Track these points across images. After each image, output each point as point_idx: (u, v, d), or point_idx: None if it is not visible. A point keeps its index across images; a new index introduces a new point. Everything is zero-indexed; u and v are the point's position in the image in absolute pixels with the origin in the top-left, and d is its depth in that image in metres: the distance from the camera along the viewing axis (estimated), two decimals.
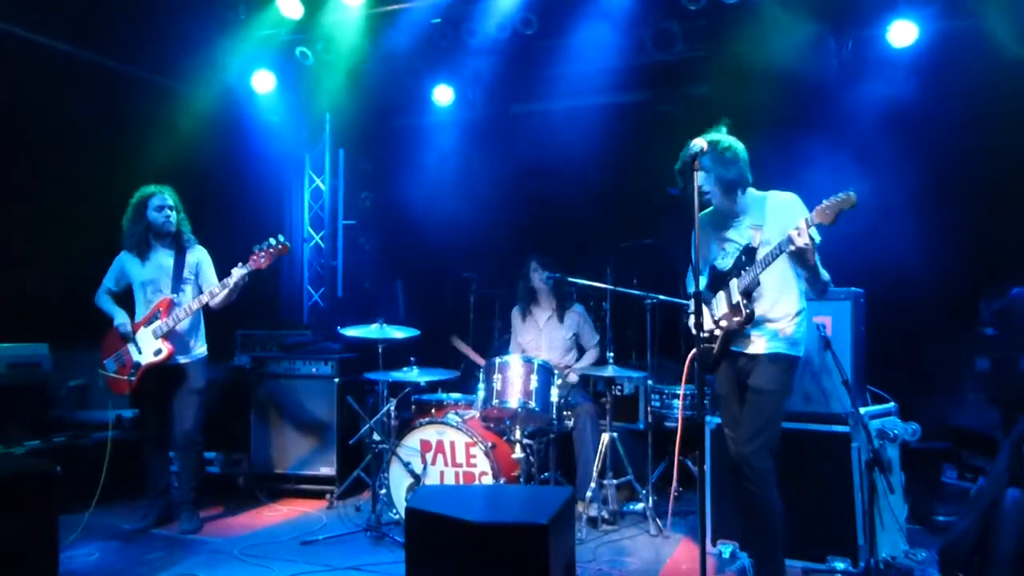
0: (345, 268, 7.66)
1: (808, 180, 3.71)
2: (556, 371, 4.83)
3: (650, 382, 5.22)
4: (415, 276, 7.23)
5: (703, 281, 3.63)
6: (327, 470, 5.45)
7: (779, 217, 3.39)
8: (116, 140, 5.73)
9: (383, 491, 4.67)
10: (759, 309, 3.43)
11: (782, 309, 3.46)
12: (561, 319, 5.39)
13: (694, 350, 3.46)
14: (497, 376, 4.65)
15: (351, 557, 4.13)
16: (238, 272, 4.54)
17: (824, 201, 3.06)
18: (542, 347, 5.38)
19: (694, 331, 3.36)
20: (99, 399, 5.31)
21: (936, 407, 4.73)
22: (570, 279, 5.25)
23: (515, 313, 5.59)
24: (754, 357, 3.49)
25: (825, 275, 3.35)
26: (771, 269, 3.34)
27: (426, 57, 6.34)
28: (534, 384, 4.59)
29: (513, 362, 4.68)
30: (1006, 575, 3.41)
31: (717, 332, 3.57)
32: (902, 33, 5.34)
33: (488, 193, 6.73)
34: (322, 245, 7.62)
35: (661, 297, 5.13)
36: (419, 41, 6.10)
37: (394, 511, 4.61)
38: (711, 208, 3.60)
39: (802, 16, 5.37)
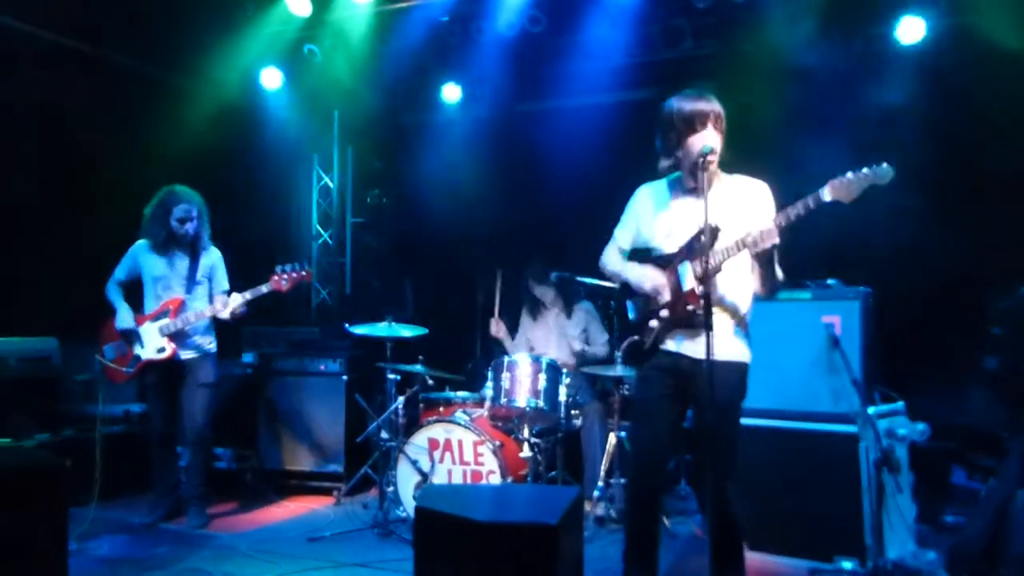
0: (353, 266, 7.67)
1: (814, 177, 3.67)
2: (565, 369, 4.83)
3: None
4: (423, 274, 7.23)
5: (635, 263, 3.29)
6: (335, 467, 5.48)
7: (749, 204, 3.03)
8: (125, 136, 5.75)
9: (390, 489, 4.68)
10: (713, 300, 2.92)
11: (739, 303, 3.07)
12: (569, 315, 5.39)
13: (629, 339, 3.21)
14: (505, 375, 4.65)
15: (358, 554, 4.14)
16: (257, 290, 4.56)
17: (848, 174, 2.71)
18: (552, 344, 5.37)
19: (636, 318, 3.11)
20: (108, 393, 5.34)
21: (945, 407, 4.70)
22: (578, 278, 5.26)
23: (524, 316, 5.59)
24: (705, 363, 2.74)
25: (780, 274, 2.99)
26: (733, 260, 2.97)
27: (435, 54, 6.34)
28: (542, 383, 4.59)
29: (521, 361, 4.69)
30: None
31: (654, 323, 3.11)
32: (910, 30, 5.32)
33: (497, 191, 6.73)
34: (330, 243, 7.62)
35: None
36: (427, 38, 6.11)
37: (401, 509, 4.62)
38: (664, 180, 3.26)
39: (810, 14, 5.35)
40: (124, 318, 4.64)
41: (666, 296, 3.09)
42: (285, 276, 4.55)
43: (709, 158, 2.91)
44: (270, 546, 4.27)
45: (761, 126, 4.88)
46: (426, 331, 5.05)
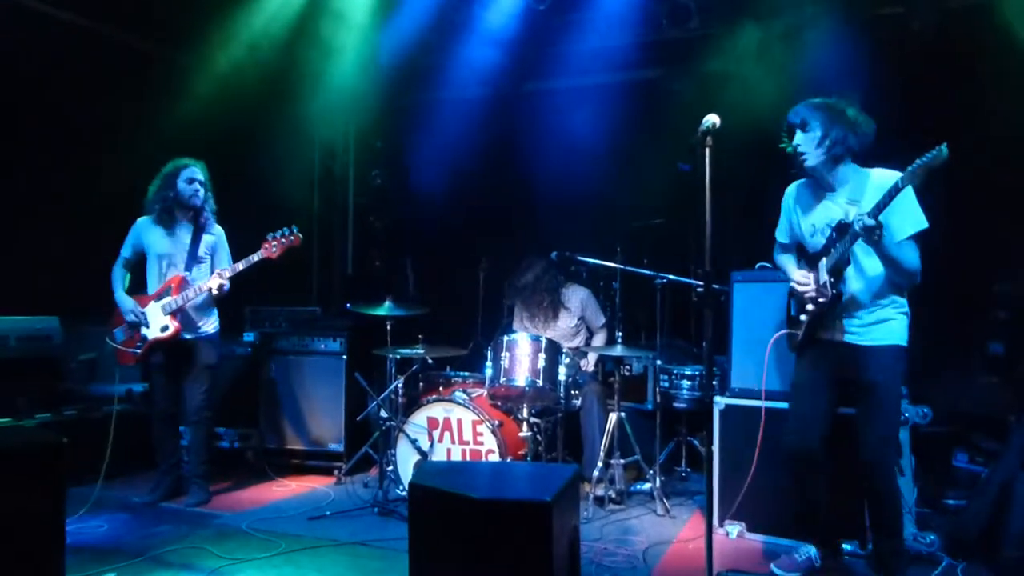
0: (355, 246, 7.65)
1: None
2: (566, 349, 4.80)
3: (659, 362, 5.20)
4: (424, 254, 7.21)
5: (791, 259, 3.59)
6: (335, 446, 5.48)
7: (875, 194, 3.09)
8: (125, 113, 5.72)
9: (390, 468, 4.68)
10: (854, 291, 3.25)
11: (873, 291, 3.25)
12: (556, 316, 5.35)
13: (782, 331, 3.48)
14: (505, 354, 4.63)
15: (358, 532, 4.14)
16: (248, 259, 4.56)
17: (916, 161, 2.89)
18: (549, 332, 5.34)
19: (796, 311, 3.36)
20: (110, 372, 5.35)
21: (948, 391, 4.68)
22: (579, 257, 5.22)
23: (518, 304, 5.54)
24: (856, 348, 3.29)
25: (910, 264, 3.14)
26: (868, 251, 3.17)
27: (438, 33, 6.28)
28: (542, 362, 4.57)
29: (521, 340, 4.66)
30: (1017, 556, 3.39)
31: (803, 317, 3.40)
32: (919, 11, 5.23)
33: (498, 171, 6.69)
34: (332, 222, 7.60)
35: (671, 277, 5.10)
36: (431, 17, 6.04)
37: (401, 487, 4.62)
38: (801, 181, 3.48)
39: None
40: (128, 310, 4.63)
41: (811, 292, 3.32)
42: (275, 242, 4.53)
43: (708, 137, 2.97)
44: (271, 525, 4.28)
45: (768, 107, 4.82)
46: (426, 310, 5.03)
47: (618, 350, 4.70)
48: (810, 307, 3.33)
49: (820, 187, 3.37)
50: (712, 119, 2.96)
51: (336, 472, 5.36)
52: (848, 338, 3.29)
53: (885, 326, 3.25)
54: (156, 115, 5.75)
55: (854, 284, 3.26)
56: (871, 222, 2.94)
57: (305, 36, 6.33)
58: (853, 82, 5.25)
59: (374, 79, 6.80)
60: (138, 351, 4.64)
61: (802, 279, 3.38)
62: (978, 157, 5.07)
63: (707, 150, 2.93)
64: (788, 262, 3.59)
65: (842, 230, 3.18)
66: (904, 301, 3.30)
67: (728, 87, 5.31)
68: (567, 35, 6.13)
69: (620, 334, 4.80)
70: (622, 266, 5.17)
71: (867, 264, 3.24)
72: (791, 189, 3.55)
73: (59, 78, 5.45)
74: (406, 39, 6.28)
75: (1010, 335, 4.99)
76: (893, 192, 2.93)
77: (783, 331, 3.58)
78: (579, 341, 5.36)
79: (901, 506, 3.40)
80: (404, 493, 4.59)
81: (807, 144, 3.24)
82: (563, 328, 5.34)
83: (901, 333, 3.27)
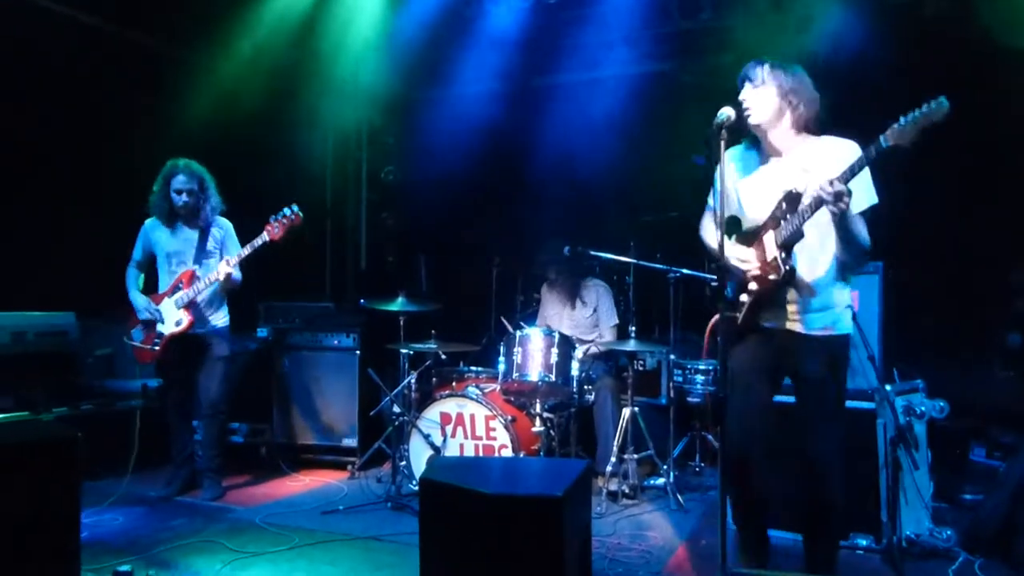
0: (368, 242, 7.66)
1: None
2: (578, 344, 4.80)
3: (672, 357, 5.17)
4: (437, 250, 7.21)
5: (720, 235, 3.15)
6: (349, 441, 5.49)
7: (831, 163, 2.81)
8: (140, 112, 5.75)
9: (403, 463, 4.70)
10: (801, 272, 2.90)
11: (826, 272, 2.93)
12: (574, 304, 5.35)
13: (715, 317, 3.12)
14: (517, 349, 4.63)
15: (371, 527, 4.15)
16: (253, 244, 4.57)
17: (901, 119, 2.54)
18: (564, 323, 5.35)
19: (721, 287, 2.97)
20: (126, 368, 5.39)
21: (965, 384, 4.62)
22: (592, 252, 5.21)
23: (545, 286, 5.58)
24: (798, 336, 2.95)
25: (865, 240, 2.83)
26: (817, 225, 2.84)
27: (449, 29, 6.26)
28: (555, 357, 4.57)
29: (534, 335, 4.66)
30: None
31: (744, 297, 3.02)
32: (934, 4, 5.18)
33: (511, 166, 6.67)
34: (346, 219, 7.62)
35: (685, 271, 5.08)
36: (442, 12, 6.02)
37: (414, 482, 4.63)
38: (742, 145, 3.15)
39: None
40: (141, 308, 4.68)
41: (754, 269, 2.99)
42: (277, 224, 4.54)
43: (724, 131, 2.80)
44: (284, 519, 4.29)
45: None
46: (439, 306, 5.03)
47: (631, 345, 4.68)
48: (753, 286, 2.98)
49: (765, 152, 3.07)
50: (727, 112, 2.83)
51: (349, 467, 5.38)
52: (793, 325, 2.95)
53: (833, 313, 2.95)
54: (170, 113, 5.77)
55: (802, 264, 2.92)
56: (842, 187, 2.62)
57: (316, 33, 6.33)
58: (866, 70, 5.22)
59: (386, 75, 6.80)
60: (156, 348, 4.68)
61: (744, 255, 3.04)
62: (994, 145, 5.02)
63: (722, 143, 2.86)
64: (717, 238, 3.14)
65: (792, 200, 2.86)
66: (849, 288, 3.02)
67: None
68: (578, 28, 6.10)
69: (633, 328, 4.78)
70: (635, 260, 5.15)
71: (817, 241, 2.92)
72: (729, 154, 3.10)
73: (74, 78, 5.47)
74: (418, 34, 6.27)
75: None
76: (871, 154, 2.62)
77: (720, 315, 3.05)
78: (594, 337, 5.35)
79: (842, 510, 3.07)
80: (417, 488, 4.60)
81: (754, 98, 2.95)
82: (580, 318, 5.34)
83: (848, 321, 2.99)
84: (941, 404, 3.82)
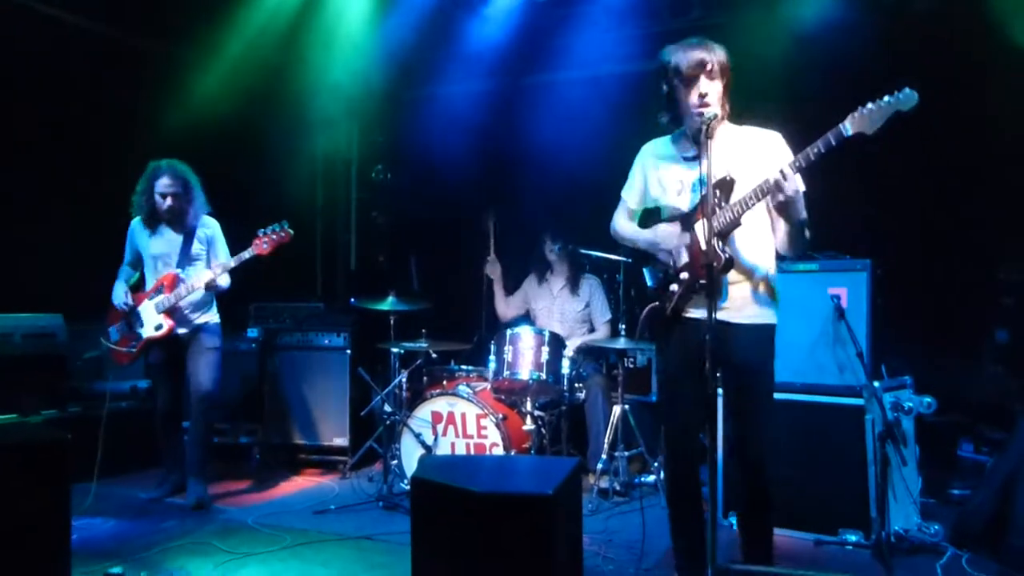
0: (358, 241, 7.64)
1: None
2: (568, 342, 4.81)
3: None
4: (428, 249, 7.20)
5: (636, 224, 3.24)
6: (340, 441, 5.50)
7: (760, 152, 2.86)
8: (129, 111, 5.72)
9: (395, 462, 4.70)
10: (736, 259, 2.86)
11: (761, 261, 2.91)
12: (573, 291, 5.37)
13: (649, 306, 3.05)
14: (508, 348, 4.64)
15: (363, 527, 4.16)
16: (240, 257, 4.52)
17: (870, 104, 2.53)
18: (554, 316, 5.36)
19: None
20: (116, 369, 5.36)
21: (953, 380, 4.66)
22: (583, 250, 5.23)
23: (530, 278, 5.58)
24: (731, 327, 2.87)
25: (807, 222, 2.80)
26: (752, 212, 2.81)
27: (439, 27, 6.25)
28: (545, 356, 4.58)
29: (524, 333, 4.68)
30: (1022, 546, 3.37)
31: (674, 287, 2.97)
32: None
33: (501, 165, 6.67)
34: (335, 218, 7.60)
35: None
36: (431, 11, 6.01)
37: (405, 482, 4.63)
38: (665, 137, 3.14)
39: None
40: (117, 294, 4.64)
41: (684, 258, 2.95)
42: (266, 239, 4.50)
43: (713, 124, 2.79)
44: (276, 519, 4.29)
45: (771, 98, 4.79)
46: (430, 305, 5.04)
47: (622, 342, 4.70)
48: (685, 275, 2.93)
49: (689, 143, 3.01)
50: (714, 111, 2.89)
51: (341, 467, 5.38)
52: (724, 315, 2.86)
53: (762, 302, 2.91)
54: (158, 112, 5.74)
55: (737, 252, 2.88)
56: (796, 179, 2.62)
57: (306, 31, 6.31)
58: (856, 68, 5.24)
59: (376, 74, 6.78)
60: (132, 351, 4.64)
61: (671, 242, 3.01)
62: (983, 142, 5.05)
63: (710, 141, 2.86)
64: (638, 228, 3.23)
65: (725, 188, 2.82)
66: (777, 277, 2.98)
67: (730, 77, 5.28)
68: (568, 27, 6.09)
69: (624, 327, 4.80)
70: (626, 259, 5.17)
71: (752, 230, 2.89)
72: (649, 146, 3.18)
73: (61, 78, 5.44)
74: (407, 32, 6.25)
75: (1016, 322, 4.96)
76: (830, 141, 2.58)
77: (651, 306, 3.07)
78: (583, 331, 5.36)
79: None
80: (408, 487, 4.60)
81: (715, 93, 2.87)
82: (571, 312, 5.35)
83: (775, 311, 2.96)
84: (929, 400, 3.84)
